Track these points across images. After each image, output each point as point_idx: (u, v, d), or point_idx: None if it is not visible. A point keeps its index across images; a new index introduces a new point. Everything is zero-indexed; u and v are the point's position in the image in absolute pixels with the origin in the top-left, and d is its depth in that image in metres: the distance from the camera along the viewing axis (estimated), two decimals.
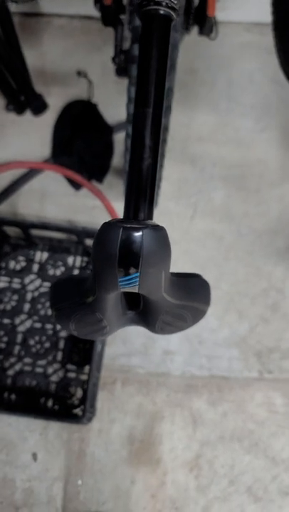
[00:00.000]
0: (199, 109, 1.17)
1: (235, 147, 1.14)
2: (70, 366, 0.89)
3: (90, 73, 1.18)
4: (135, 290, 0.31)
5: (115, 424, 0.90)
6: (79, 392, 0.88)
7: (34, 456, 0.85)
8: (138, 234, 0.29)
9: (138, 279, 0.30)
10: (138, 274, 0.29)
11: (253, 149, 1.14)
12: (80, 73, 1.18)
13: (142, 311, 0.39)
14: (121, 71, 0.71)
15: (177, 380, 0.93)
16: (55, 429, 0.86)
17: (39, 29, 1.26)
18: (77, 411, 0.86)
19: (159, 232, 0.30)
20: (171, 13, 0.35)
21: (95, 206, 1.06)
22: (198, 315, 0.41)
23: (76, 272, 0.97)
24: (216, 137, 1.15)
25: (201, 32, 0.71)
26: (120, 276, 0.30)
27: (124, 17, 0.68)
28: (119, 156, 1.12)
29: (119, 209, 1.05)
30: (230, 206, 1.08)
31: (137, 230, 0.29)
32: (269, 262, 1.02)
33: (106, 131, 1.12)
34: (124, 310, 0.39)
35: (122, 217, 0.34)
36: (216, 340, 0.95)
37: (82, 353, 0.90)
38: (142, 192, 0.33)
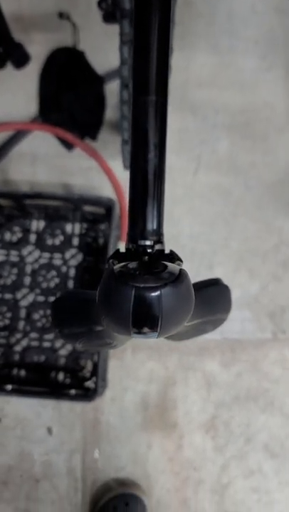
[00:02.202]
0: (198, 49, 1.06)
1: (238, 91, 1.04)
2: None
3: (73, 15, 1.06)
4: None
5: (128, 392, 0.88)
6: (89, 365, 0.86)
7: (49, 430, 0.84)
8: (155, 295, 0.23)
9: (156, 335, 0.25)
10: (156, 333, 0.24)
11: (259, 92, 1.04)
12: (62, 15, 1.06)
13: None
14: (108, 17, 0.62)
15: (189, 343, 0.91)
16: (67, 402, 0.85)
17: None
18: (89, 383, 0.84)
19: (180, 285, 0.24)
20: None
21: (91, 167, 0.99)
22: (218, 323, 0.37)
23: (76, 239, 0.92)
24: (218, 80, 1.05)
25: None
26: (134, 333, 0.25)
27: None
28: (112, 109, 1.03)
29: (116, 169, 0.97)
30: (235, 157, 1.00)
31: (154, 289, 0.23)
32: (279, 216, 0.96)
33: (96, 81, 1.02)
34: None
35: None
36: None
37: None
38: (148, 201, 0.27)
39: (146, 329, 0.24)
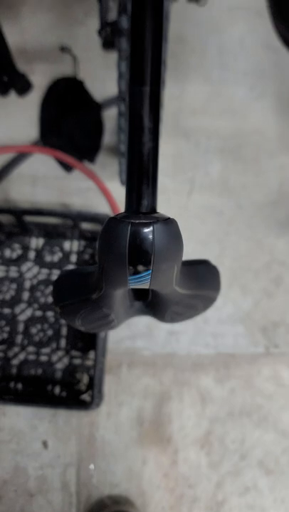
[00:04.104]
0: (190, 80, 1.13)
1: (230, 118, 1.10)
2: (74, 352, 0.88)
3: (73, 48, 1.13)
4: (146, 287, 0.29)
5: (123, 407, 0.89)
6: (85, 378, 0.87)
7: (45, 443, 0.84)
8: (148, 230, 0.26)
9: (149, 276, 0.27)
10: (150, 271, 0.27)
11: (249, 119, 1.10)
12: (63, 48, 1.13)
13: (150, 302, 0.37)
14: (108, 44, 0.67)
15: (183, 359, 0.93)
16: (63, 415, 0.86)
17: (17, 3, 1.20)
18: (85, 396, 0.85)
19: (170, 225, 0.27)
20: None
21: (89, 188, 1.03)
22: (208, 302, 0.39)
23: (74, 256, 0.95)
24: (210, 108, 1.11)
25: None
26: (130, 274, 0.27)
27: None
28: (109, 134, 1.08)
29: (113, 190, 1.02)
30: (228, 179, 1.05)
31: (147, 225, 0.26)
32: (270, 235, 1.00)
33: (94, 108, 1.07)
34: (131, 301, 0.37)
35: (122, 207, 0.31)
36: (221, 317, 0.94)
37: (86, 338, 0.89)
38: (144, 180, 0.30)
39: (140, 267, 0.27)
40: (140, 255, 0.26)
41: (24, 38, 1.16)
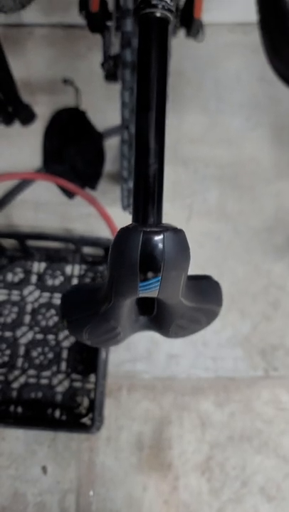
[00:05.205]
0: (188, 111, 1.17)
1: (226, 147, 1.14)
2: (75, 376, 0.89)
3: (76, 81, 1.18)
4: (154, 295, 0.31)
5: (123, 431, 0.89)
6: (86, 401, 0.87)
7: (44, 469, 0.84)
8: (159, 237, 0.28)
9: (159, 283, 0.29)
10: (159, 278, 0.29)
11: (245, 148, 1.14)
12: (66, 81, 1.18)
13: (155, 316, 0.38)
14: (110, 76, 0.71)
15: (183, 383, 0.93)
16: (63, 440, 0.85)
17: (22, 39, 1.26)
18: (85, 420, 0.85)
19: (179, 234, 0.29)
20: (168, 15, 0.35)
21: (90, 214, 1.05)
22: (211, 317, 0.41)
23: (75, 281, 0.96)
24: (207, 138, 1.15)
25: (188, 34, 0.71)
26: (140, 280, 0.29)
27: (110, 23, 0.68)
28: (110, 162, 1.12)
29: (114, 215, 1.04)
30: (225, 205, 1.08)
31: (158, 233, 0.28)
32: (267, 259, 1.02)
33: (96, 137, 1.11)
34: (136, 316, 0.39)
35: (128, 223, 0.33)
36: (220, 341, 0.95)
37: (87, 361, 0.89)
38: (150, 199, 0.32)
39: (150, 273, 0.28)
40: (151, 261, 0.28)
41: (29, 71, 1.21)
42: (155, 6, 0.35)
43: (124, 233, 0.29)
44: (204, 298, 0.39)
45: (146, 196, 0.33)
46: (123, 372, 0.92)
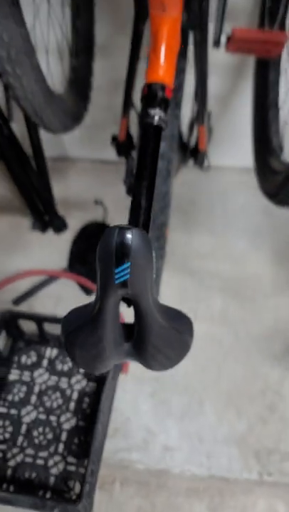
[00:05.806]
0: (198, 232, 1.36)
1: (231, 263, 1.28)
2: (70, 459, 0.90)
3: (105, 202, 1.40)
4: (127, 290, 0.40)
5: None
6: (77, 487, 0.87)
7: None
8: (129, 231, 0.39)
9: (129, 269, 0.39)
10: (129, 263, 0.39)
11: (248, 266, 1.28)
12: (97, 202, 1.40)
13: (135, 339, 0.46)
14: (131, 190, 0.89)
15: (177, 481, 0.92)
16: None
17: (66, 168, 1.54)
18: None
19: (145, 235, 0.40)
20: (162, 124, 0.53)
21: None
22: (184, 346, 0.48)
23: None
24: (213, 255, 1.31)
25: (195, 163, 0.91)
26: (116, 266, 0.39)
27: (134, 152, 0.89)
28: None
29: (125, 311, 1.15)
30: (227, 313, 1.18)
31: (129, 230, 0.39)
32: (265, 364, 1.08)
33: None
34: (121, 340, 0.47)
35: None
36: (216, 436, 0.96)
37: (84, 445, 0.92)
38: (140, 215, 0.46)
39: (123, 259, 0.37)
40: (123, 249, 0.38)
41: (68, 192, 1.45)
42: (153, 117, 0.53)
43: (106, 231, 0.40)
44: (176, 320, 0.47)
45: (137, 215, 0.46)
46: (118, 461, 0.93)
